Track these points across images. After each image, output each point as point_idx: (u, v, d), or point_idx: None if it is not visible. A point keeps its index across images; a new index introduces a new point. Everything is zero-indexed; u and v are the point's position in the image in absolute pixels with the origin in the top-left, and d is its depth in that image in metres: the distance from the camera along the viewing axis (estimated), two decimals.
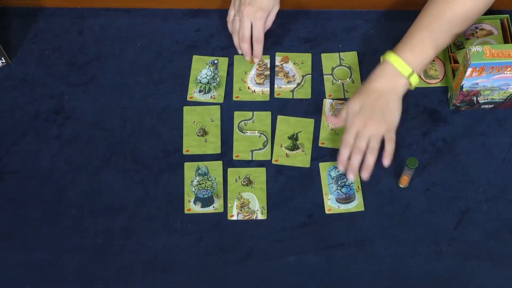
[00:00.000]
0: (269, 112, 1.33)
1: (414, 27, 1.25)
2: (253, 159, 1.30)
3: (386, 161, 1.22)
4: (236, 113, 1.34)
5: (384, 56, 1.25)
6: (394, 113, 1.23)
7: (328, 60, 1.38)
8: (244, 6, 1.31)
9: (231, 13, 1.36)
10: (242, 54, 1.37)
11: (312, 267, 1.22)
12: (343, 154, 1.24)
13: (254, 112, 1.34)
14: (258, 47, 1.35)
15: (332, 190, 1.27)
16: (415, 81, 1.24)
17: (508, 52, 1.19)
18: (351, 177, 1.23)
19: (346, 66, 1.37)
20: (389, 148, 1.22)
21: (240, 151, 1.30)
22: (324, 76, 1.37)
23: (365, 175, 1.23)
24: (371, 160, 1.22)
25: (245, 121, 1.33)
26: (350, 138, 1.23)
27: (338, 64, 1.38)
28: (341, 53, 1.39)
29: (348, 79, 1.36)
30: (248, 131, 1.31)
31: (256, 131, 1.31)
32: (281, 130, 1.32)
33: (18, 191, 1.28)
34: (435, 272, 1.21)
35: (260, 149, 1.30)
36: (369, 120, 1.22)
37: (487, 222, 1.24)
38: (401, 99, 1.24)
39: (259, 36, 1.34)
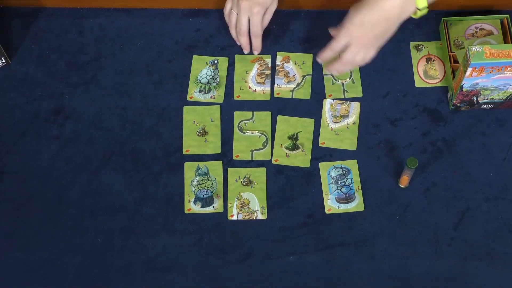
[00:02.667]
0: (269, 112, 1.33)
1: None
2: (253, 159, 1.30)
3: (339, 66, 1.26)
4: (236, 113, 1.34)
5: None
6: (386, 39, 1.22)
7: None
8: (242, 0, 1.30)
9: (228, 5, 1.36)
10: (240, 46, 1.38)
11: (312, 267, 1.22)
12: (326, 55, 1.25)
13: (254, 112, 1.34)
14: (257, 41, 1.36)
15: (332, 190, 1.27)
16: (422, 13, 1.20)
17: (508, 52, 1.19)
18: (326, 70, 1.28)
19: None
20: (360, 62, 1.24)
21: (240, 151, 1.30)
22: (324, 76, 1.37)
23: (335, 72, 1.26)
24: (347, 69, 1.25)
25: (245, 121, 1.33)
26: (338, 47, 1.23)
27: None
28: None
29: (348, 79, 1.36)
30: (248, 131, 1.31)
31: (256, 131, 1.31)
32: (281, 130, 1.32)
33: (18, 191, 1.28)
34: (435, 272, 1.21)
35: (260, 149, 1.30)
36: (364, 40, 1.20)
37: (487, 222, 1.24)
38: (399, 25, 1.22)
39: (257, 31, 1.34)
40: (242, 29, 1.33)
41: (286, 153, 1.31)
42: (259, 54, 1.38)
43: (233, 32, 1.37)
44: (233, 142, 1.31)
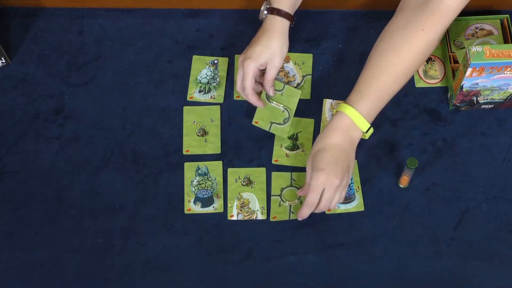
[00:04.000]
0: (299, 91, 1.31)
1: (369, 75, 1.20)
2: (270, 130, 1.29)
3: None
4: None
5: (340, 109, 1.20)
6: (352, 167, 1.21)
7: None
8: (240, 57, 1.27)
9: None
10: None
11: (312, 267, 1.22)
12: (304, 213, 1.20)
13: (286, 86, 1.32)
14: (250, 97, 1.28)
15: None
16: (370, 133, 1.21)
17: (508, 52, 1.19)
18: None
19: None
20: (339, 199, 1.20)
21: (260, 118, 1.30)
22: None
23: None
24: (327, 209, 1.20)
25: (276, 91, 1.31)
26: (315, 199, 1.18)
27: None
28: None
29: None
30: (274, 102, 1.30)
31: (282, 105, 1.31)
32: None
33: (18, 191, 1.28)
34: (435, 272, 1.21)
35: (279, 123, 1.30)
36: (334, 177, 1.16)
37: (487, 222, 1.24)
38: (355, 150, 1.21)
39: (246, 85, 1.27)
40: (239, 88, 1.28)
41: (286, 153, 1.31)
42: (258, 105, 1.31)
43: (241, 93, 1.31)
44: (256, 108, 1.30)
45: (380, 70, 1.20)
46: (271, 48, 1.26)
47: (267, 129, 1.29)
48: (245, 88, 1.27)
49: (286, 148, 1.31)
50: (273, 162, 1.30)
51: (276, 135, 1.31)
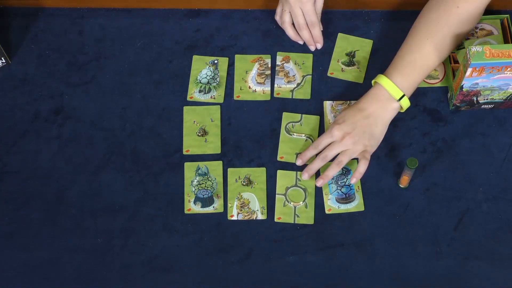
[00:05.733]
0: (318, 117, 1.33)
1: (405, 49, 1.26)
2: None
3: (353, 180, 1.23)
4: (285, 114, 1.33)
5: (376, 79, 1.26)
6: (376, 138, 1.24)
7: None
8: None
9: (278, 9, 1.36)
10: (303, 43, 1.38)
11: (312, 267, 1.22)
12: (307, 154, 1.25)
13: (303, 115, 1.33)
14: (316, 31, 1.35)
15: (332, 190, 1.27)
16: (406, 104, 1.25)
17: (508, 52, 1.19)
18: (305, 176, 1.25)
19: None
20: (361, 168, 1.23)
21: (285, 153, 1.30)
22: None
23: (320, 183, 1.24)
24: (332, 173, 1.24)
25: (293, 123, 1.32)
26: (321, 144, 1.24)
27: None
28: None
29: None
30: (295, 134, 1.31)
31: (303, 135, 1.31)
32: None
33: (18, 191, 1.28)
34: (435, 272, 1.21)
35: None
36: (349, 136, 1.22)
37: (487, 222, 1.24)
38: (387, 124, 1.26)
39: (313, 20, 1.34)
40: (300, 22, 1.33)
41: (342, 68, 1.36)
42: (318, 47, 1.38)
43: (290, 33, 1.36)
44: (279, 143, 1.31)
45: (415, 45, 1.25)
46: None
47: (294, 161, 1.29)
48: (303, 23, 1.34)
49: (343, 64, 1.34)
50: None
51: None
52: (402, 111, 1.27)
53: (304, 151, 1.27)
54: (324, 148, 1.25)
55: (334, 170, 1.23)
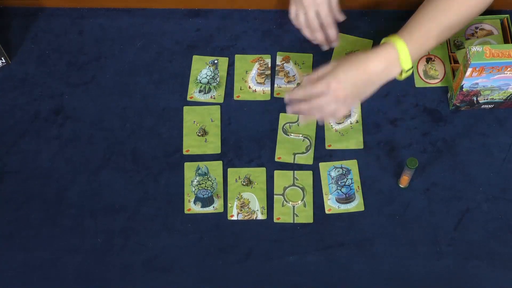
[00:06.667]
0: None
1: (422, 16, 1.21)
2: (295, 162, 1.29)
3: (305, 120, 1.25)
4: (282, 115, 1.33)
5: (391, 40, 1.19)
6: (364, 97, 1.21)
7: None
8: None
9: (292, 10, 1.32)
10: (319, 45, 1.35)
11: (312, 267, 1.22)
12: (296, 94, 1.22)
13: (299, 115, 1.33)
14: (331, 31, 1.31)
15: (332, 190, 1.27)
16: (407, 74, 1.21)
17: (508, 52, 1.19)
18: (289, 110, 1.24)
19: None
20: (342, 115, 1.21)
21: (282, 154, 1.30)
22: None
23: (303, 121, 1.26)
24: (312, 116, 1.22)
25: (290, 124, 1.32)
26: (312, 92, 1.19)
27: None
28: None
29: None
30: (292, 134, 1.31)
31: (300, 135, 1.31)
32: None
33: (18, 191, 1.28)
34: (435, 272, 1.21)
35: (302, 153, 1.30)
36: (344, 96, 1.18)
37: (487, 222, 1.24)
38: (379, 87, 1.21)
39: (327, 20, 1.30)
40: (313, 25, 1.30)
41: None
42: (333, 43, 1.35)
43: (306, 33, 1.33)
44: (276, 143, 1.31)
45: (431, 16, 1.20)
46: None
47: (292, 161, 1.29)
48: (316, 26, 1.30)
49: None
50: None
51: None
52: (400, 78, 1.21)
53: (295, 89, 1.23)
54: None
55: (320, 118, 1.22)
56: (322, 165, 1.29)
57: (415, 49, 1.19)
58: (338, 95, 1.17)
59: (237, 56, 1.40)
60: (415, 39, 1.19)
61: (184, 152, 1.31)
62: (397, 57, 1.18)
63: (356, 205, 1.26)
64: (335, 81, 1.17)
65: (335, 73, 1.18)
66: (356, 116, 1.33)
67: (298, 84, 1.37)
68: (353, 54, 1.21)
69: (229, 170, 1.29)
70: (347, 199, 1.26)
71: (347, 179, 1.28)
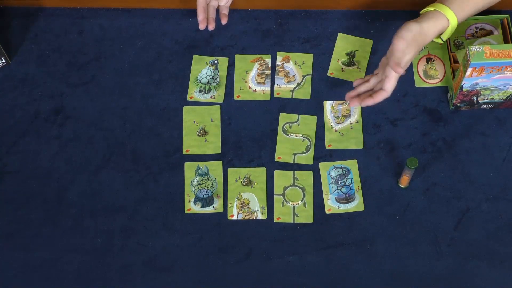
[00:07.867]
0: (315, 117, 1.33)
1: None
2: (295, 162, 1.29)
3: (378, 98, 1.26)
4: (282, 115, 1.33)
5: (443, 11, 1.21)
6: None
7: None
8: None
9: None
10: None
11: (312, 267, 1.22)
12: (361, 89, 1.28)
13: (300, 115, 1.33)
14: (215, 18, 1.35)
15: (332, 190, 1.27)
16: (440, 41, 1.25)
17: (508, 52, 1.19)
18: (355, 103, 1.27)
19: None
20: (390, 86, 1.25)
21: (282, 153, 1.30)
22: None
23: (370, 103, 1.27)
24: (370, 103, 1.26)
25: (290, 124, 1.32)
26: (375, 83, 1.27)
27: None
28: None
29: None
30: (292, 134, 1.31)
31: (300, 135, 1.31)
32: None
33: (18, 191, 1.28)
34: (435, 272, 1.21)
35: (302, 152, 1.30)
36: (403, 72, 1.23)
37: (487, 222, 1.24)
38: None
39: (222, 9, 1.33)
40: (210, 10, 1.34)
41: (342, 68, 1.36)
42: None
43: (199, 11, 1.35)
44: (276, 143, 1.31)
45: None
46: None
47: (292, 161, 1.29)
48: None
49: (343, 64, 1.34)
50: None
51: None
52: (438, 41, 1.26)
53: (355, 89, 1.28)
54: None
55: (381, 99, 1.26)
56: (322, 165, 1.29)
57: (459, 18, 1.22)
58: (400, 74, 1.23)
59: (237, 56, 1.40)
60: (462, 8, 1.22)
61: (184, 152, 1.31)
62: (445, 27, 1.22)
63: (356, 205, 1.26)
64: (401, 69, 1.22)
65: (402, 60, 1.22)
66: (356, 116, 1.33)
67: (298, 84, 1.37)
68: (408, 31, 1.21)
69: (229, 170, 1.29)
70: (347, 199, 1.26)
71: (347, 179, 1.28)
